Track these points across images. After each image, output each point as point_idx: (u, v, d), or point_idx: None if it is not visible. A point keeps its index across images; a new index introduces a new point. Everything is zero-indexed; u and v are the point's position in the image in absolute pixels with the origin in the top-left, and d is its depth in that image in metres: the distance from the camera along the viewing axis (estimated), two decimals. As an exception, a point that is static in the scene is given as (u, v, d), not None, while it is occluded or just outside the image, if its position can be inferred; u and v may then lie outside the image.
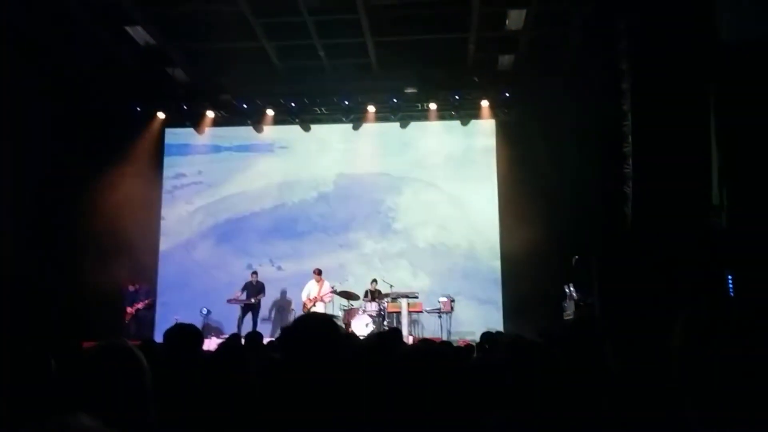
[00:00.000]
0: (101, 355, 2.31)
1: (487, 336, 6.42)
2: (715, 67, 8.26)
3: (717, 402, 1.20)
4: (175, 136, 14.42)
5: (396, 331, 5.60)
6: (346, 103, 13.60)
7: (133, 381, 2.25)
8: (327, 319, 2.14)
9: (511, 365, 2.75)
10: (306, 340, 2.00)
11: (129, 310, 12.36)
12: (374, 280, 12.26)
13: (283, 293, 13.57)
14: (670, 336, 1.31)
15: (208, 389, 2.55)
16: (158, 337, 10.88)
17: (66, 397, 2.33)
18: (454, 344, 6.43)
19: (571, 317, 10.37)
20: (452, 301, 12.00)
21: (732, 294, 7.67)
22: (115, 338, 2.54)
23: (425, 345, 2.23)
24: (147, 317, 12.49)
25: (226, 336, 9.42)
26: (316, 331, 2.02)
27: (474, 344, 7.25)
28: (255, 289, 12.47)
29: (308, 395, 1.93)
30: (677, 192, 8.46)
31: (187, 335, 3.26)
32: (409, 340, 10.44)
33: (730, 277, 7.71)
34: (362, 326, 11.25)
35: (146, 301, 12.50)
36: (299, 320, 2.11)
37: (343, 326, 11.14)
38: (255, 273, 12.67)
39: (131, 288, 12.55)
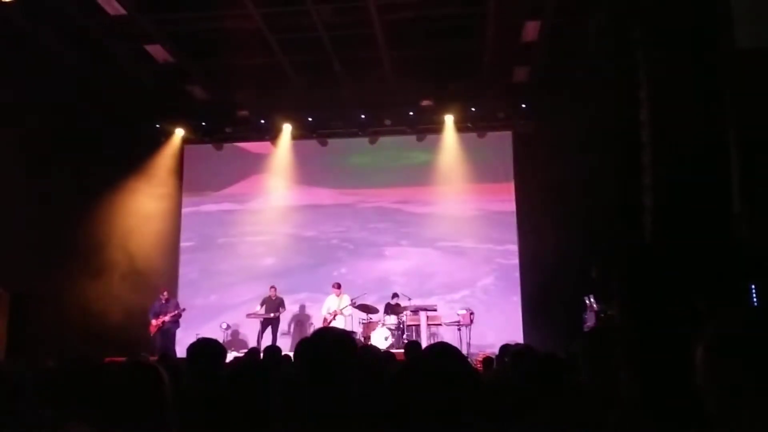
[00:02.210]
0: (126, 372, 2.36)
1: (506, 349, 6.37)
2: (732, 74, 8.19)
3: (743, 416, 1.18)
4: (194, 152, 14.55)
5: (417, 344, 5.60)
6: (363, 117, 13.66)
7: (155, 396, 2.30)
8: (342, 334, 2.15)
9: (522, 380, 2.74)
10: (322, 354, 2.00)
11: (154, 322, 12.09)
12: (395, 294, 12.24)
13: (302, 308, 13.59)
14: (693, 350, 1.30)
15: (229, 403, 2.56)
16: (179, 352, 10.99)
17: (91, 409, 2.37)
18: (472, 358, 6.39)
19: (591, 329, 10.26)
20: (471, 313, 11.95)
21: (756, 304, 7.56)
22: (139, 355, 2.59)
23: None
24: (172, 330, 12.18)
25: (246, 351, 9.43)
26: (332, 346, 2.02)
27: (493, 357, 7.22)
28: (274, 304, 12.49)
29: (325, 408, 1.93)
30: (697, 201, 8.37)
31: (210, 350, 3.27)
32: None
33: (753, 287, 7.60)
34: (381, 339, 11.24)
35: (174, 313, 12.19)
36: (315, 335, 2.11)
37: (362, 340, 11.15)
38: (274, 288, 12.68)
39: (162, 297, 12.34)
